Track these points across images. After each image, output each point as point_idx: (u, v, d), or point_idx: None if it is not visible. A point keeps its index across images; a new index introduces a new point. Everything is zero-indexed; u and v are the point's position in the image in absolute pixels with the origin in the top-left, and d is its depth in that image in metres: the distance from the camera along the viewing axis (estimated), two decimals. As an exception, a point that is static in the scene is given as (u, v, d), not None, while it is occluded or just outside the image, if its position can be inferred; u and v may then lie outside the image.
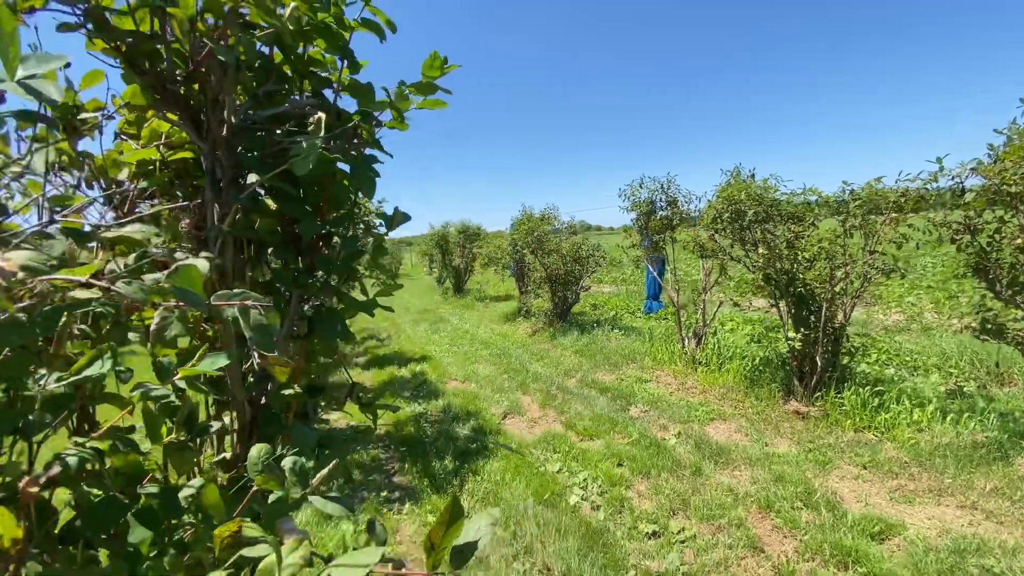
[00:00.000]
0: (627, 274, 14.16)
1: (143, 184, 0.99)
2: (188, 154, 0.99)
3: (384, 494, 3.46)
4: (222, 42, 0.80)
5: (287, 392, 1.00)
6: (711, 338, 5.77)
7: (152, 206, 1.26)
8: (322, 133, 0.90)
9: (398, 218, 1.05)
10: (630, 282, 13.65)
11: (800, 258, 3.95)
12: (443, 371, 6.45)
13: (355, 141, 1.05)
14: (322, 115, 0.90)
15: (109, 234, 0.81)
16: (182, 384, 0.76)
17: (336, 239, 1.11)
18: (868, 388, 3.99)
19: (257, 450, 0.69)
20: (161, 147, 0.96)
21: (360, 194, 1.22)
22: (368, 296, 1.18)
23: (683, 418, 4.35)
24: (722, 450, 3.69)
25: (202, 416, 1.12)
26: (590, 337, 7.29)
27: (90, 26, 0.74)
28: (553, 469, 3.61)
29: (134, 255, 0.84)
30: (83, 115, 1.00)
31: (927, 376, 4.87)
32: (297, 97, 0.96)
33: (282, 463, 0.72)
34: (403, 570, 0.57)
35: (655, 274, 7.80)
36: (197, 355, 0.71)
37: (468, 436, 4.32)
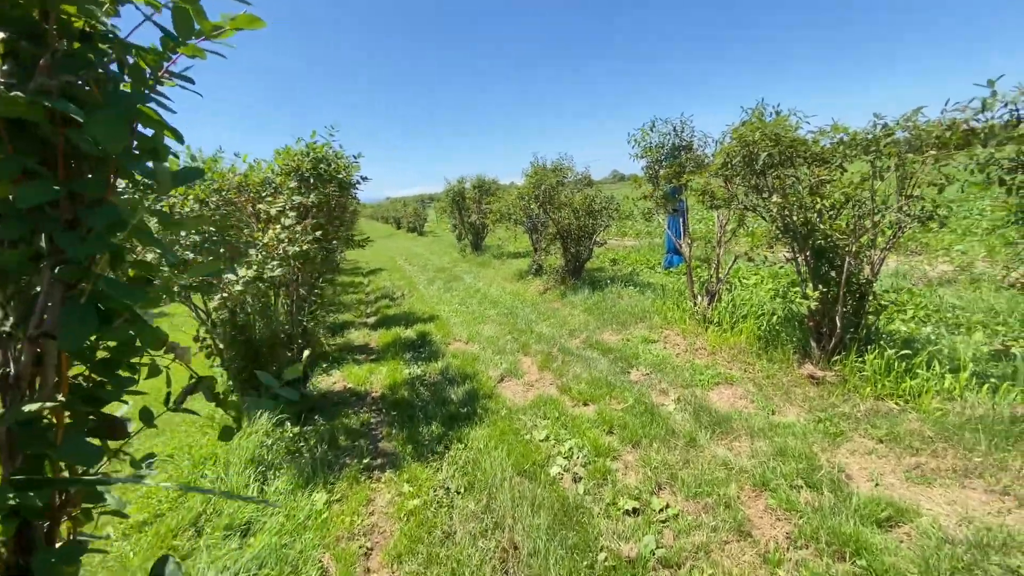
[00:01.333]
0: (651, 227, 13.51)
1: None
2: None
3: (366, 461, 3.38)
4: None
5: (30, 408, 0.78)
6: (727, 295, 5.36)
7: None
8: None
9: (164, 180, 0.79)
10: (655, 235, 13.04)
11: (821, 207, 3.48)
12: (448, 331, 6.33)
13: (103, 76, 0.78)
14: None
15: None
16: None
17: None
18: (895, 351, 3.57)
19: None
20: None
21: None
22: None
23: (686, 382, 4.06)
24: (722, 418, 3.41)
25: None
26: (601, 295, 6.96)
27: None
28: (539, 437, 3.44)
29: None
30: None
31: (970, 335, 4.37)
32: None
33: None
34: None
35: (675, 225, 7.31)
36: None
37: (460, 400, 4.19)
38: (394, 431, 3.78)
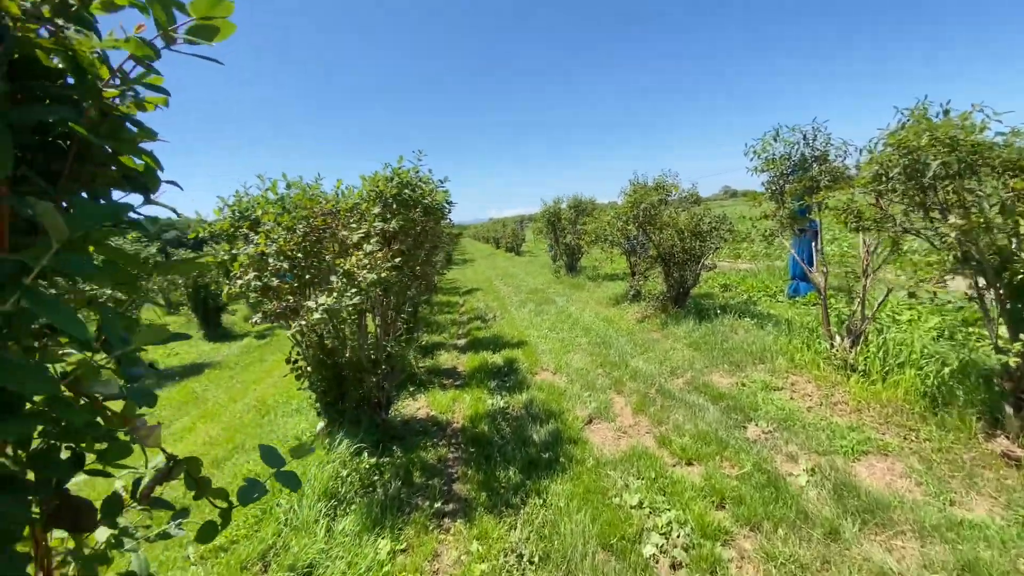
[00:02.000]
0: (771, 249, 12.08)
1: None
2: None
3: (437, 505, 3.13)
4: None
5: None
6: (875, 336, 4.38)
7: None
8: None
9: (54, 224, 0.54)
10: (775, 257, 11.64)
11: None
12: (535, 360, 5.99)
13: None
14: None
15: None
16: None
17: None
18: None
19: None
20: None
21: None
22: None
23: (822, 447, 3.27)
24: (876, 503, 2.63)
25: None
26: (710, 326, 6.17)
27: None
28: (631, 501, 2.92)
29: None
30: None
31: None
32: None
33: None
34: None
35: (805, 248, 6.33)
36: None
37: (542, 442, 3.80)
38: (470, 472, 3.50)
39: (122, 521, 1.13)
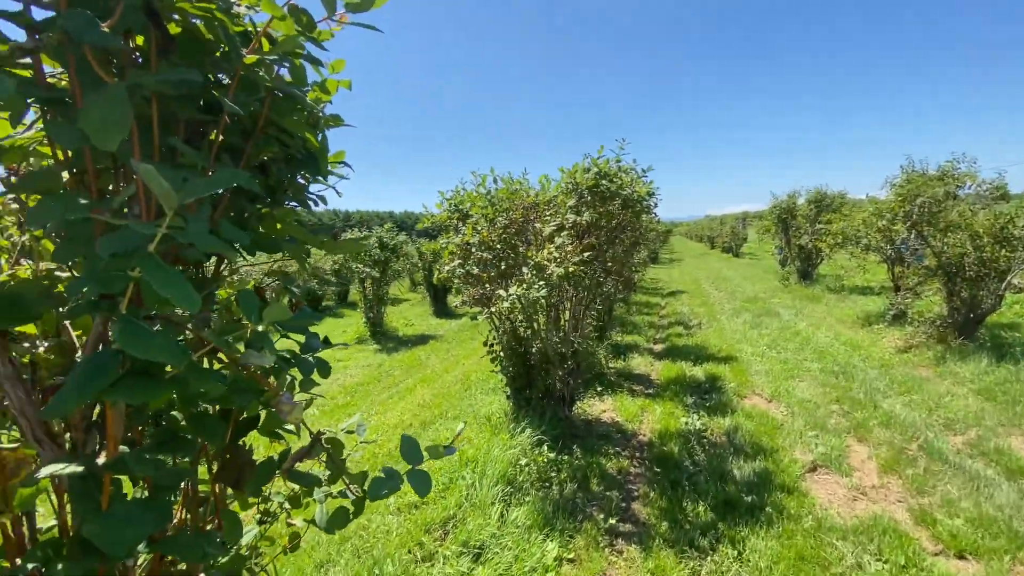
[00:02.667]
0: None
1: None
2: None
3: (612, 521, 2.91)
4: None
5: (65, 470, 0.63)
6: None
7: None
8: None
9: (162, 191, 0.51)
10: None
11: None
12: (746, 380, 5.16)
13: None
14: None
15: None
16: None
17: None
18: None
19: None
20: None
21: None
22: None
23: None
24: None
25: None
26: (1013, 370, 4.40)
27: None
28: (866, 590, 2.20)
29: None
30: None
31: None
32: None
33: None
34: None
35: None
36: None
37: (745, 482, 3.21)
38: (652, 494, 3.16)
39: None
